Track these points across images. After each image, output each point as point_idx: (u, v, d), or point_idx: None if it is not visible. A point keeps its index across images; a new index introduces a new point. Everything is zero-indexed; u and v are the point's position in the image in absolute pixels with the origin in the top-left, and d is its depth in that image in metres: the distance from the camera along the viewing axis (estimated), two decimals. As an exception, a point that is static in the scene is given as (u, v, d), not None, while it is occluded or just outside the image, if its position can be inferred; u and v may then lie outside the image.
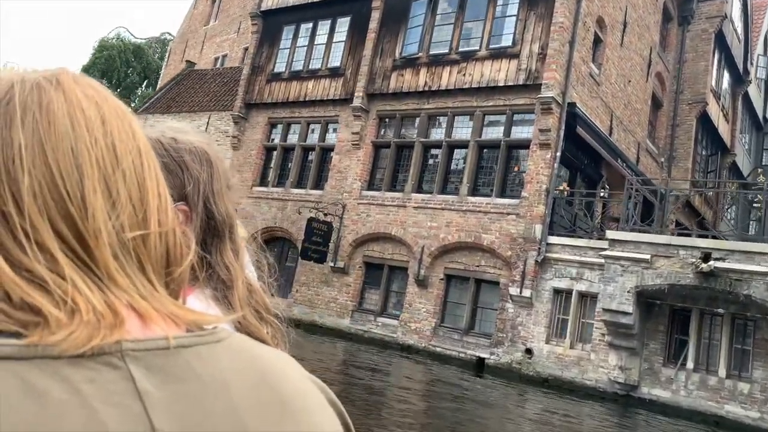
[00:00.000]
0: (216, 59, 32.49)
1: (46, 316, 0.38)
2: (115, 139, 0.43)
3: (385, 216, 16.45)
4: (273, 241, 19.61)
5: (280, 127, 20.35)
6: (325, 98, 18.83)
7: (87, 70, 37.76)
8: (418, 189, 16.36)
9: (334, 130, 18.81)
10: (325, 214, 17.11)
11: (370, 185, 17.50)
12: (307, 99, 19.29)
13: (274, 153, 20.37)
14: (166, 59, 37.13)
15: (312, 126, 19.54)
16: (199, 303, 0.68)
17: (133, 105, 37.95)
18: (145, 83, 42.50)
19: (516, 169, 15.40)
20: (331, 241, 16.90)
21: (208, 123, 22.07)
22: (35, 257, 0.38)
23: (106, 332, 0.38)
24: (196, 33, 35.25)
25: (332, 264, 16.91)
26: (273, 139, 20.46)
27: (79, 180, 0.40)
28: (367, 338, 15.74)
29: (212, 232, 0.70)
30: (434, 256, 15.25)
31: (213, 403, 0.38)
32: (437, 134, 16.50)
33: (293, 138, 19.90)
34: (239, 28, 30.81)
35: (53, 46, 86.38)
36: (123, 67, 40.05)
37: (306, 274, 17.81)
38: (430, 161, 16.63)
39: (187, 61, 28.96)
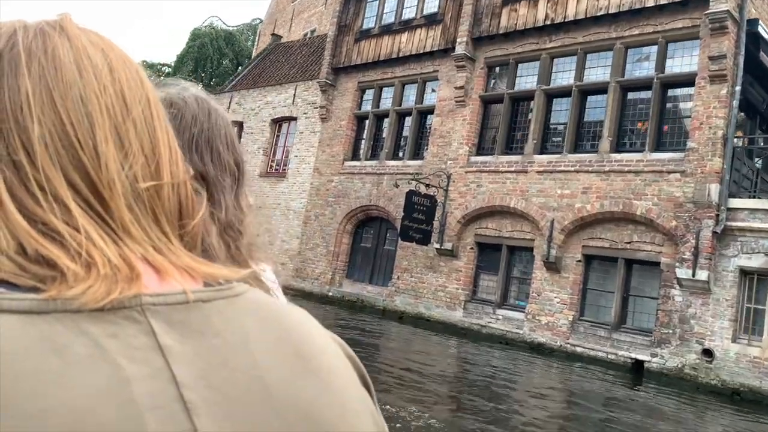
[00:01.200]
0: (305, 35, 30.63)
1: (63, 269, 0.37)
2: (124, 87, 0.42)
3: (501, 185, 13.42)
4: (369, 221, 17.17)
5: (371, 92, 17.81)
6: (422, 51, 16.01)
7: (181, 59, 37.35)
8: (542, 149, 13.16)
9: (433, 90, 15.97)
10: (427, 186, 14.36)
11: (480, 149, 14.51)
12: (400, 55, 16.57)
13: (366, 122, 17.89)
14: (256, 42, 35.92)
15: (407, 87, 16.81)
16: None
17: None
18: (238, 69, 41.69)
19: (640, 126, 11.78)
20: (435, 218, 14.14)
21: (294, 95, 20.03)
22: (50, 209, 0.38)
23: (123, 285, 0.37)
24: (284, 11, 33.63)
25: (438, 246, 14.16)
26: (364, 107, 17.97)
27: (89, 128, 0.40)
28: (485, 334, 12.87)
29: (219, 183, 0.64)
30: (568, 232, 12.05)
31: (234, 359, 0.38)
32: (564, 79, 13.16)
33: (386, 103, 17.29)
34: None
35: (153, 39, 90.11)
36: (215, 54, 39.37)
37: (408, 259, 15.20)
38: (556, 114, 13.33)
39: (273, 35, 27.17)
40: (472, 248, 13.90)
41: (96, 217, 0.39)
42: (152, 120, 0.43)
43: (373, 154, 17.39)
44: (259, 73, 23.50)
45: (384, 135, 17.21)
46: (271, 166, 20.86)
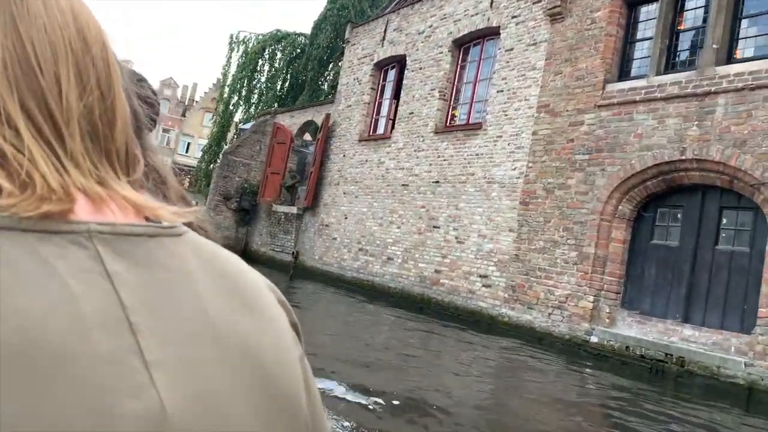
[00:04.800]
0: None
1: None
2: (84, 27, 0.42)
3: None
4: (671, 196, 8.58)
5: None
6: None
7: (318, 26, 30.84)
8: None
9: None
10: None
11: None
12: None
13: (651, 6, 9.28)
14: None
15: None
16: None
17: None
18: None
19: None
20: None
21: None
22: (0, 131, 0.38)
23: (57, 204, 0.38)
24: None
25: None
26: (645, -22, 9.35)
27: (52, 57, 0.40)
28: None
29: (138, 128, 0.54)
30: None
31: (179, 290, 0.39)
32: None
33: (705, -45, 8.54)
34: None
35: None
36: (358, 17, 32.42)
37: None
38: None
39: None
40: None
41: (45, 145, 0.39)
42: (108, 60, 0.43)
43: (679, 61, 8.75)
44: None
45: (700, 22, 8.49)
46: (453, 115, 12.92)
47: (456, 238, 11.53)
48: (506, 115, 11.06)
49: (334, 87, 29.55)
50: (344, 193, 15.31)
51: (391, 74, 15.17)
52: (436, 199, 12.24)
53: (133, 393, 0.34)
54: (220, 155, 21.42)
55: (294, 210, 17.03)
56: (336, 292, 13.03)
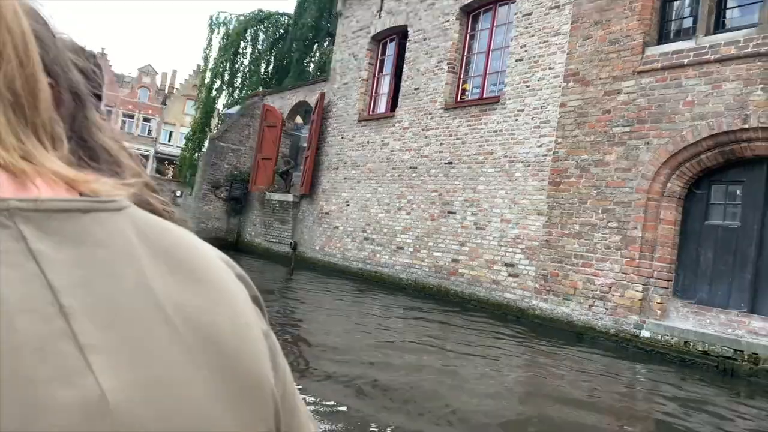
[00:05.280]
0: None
1: None
2: None
3: None
4: (727, 170, 7.64)
5: None
6: None
7: (302, 3, 29.30)
8: None
9: None
10: None
11: None
12: None
13: (696, -44, 8.22)
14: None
15: None
16: None
17: None
18: None
19: None
20: None
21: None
22: None
23: None
24: None
25: None
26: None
27: None
28: None
29: (79, 102, 0.51)
30: None
31: (119, 268, 0.36)
32: None
33: None
34: None
35: None
36: (343, -7, 31.15)
37: None
38: None
39: None
40: None
41: None
42: (22, 28, 0.39)
43: (732, 18, 7.73)
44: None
45: (758, -31, 7.44)
46: (464, 89, 11.82)
47: (475, 223, 10.51)
48: (528, 87, 9.99)
49: (321, 68, 28.24)
50: (345, 178, 14.20)
51: (391, 47, 13.99)
52: (450, 182, 11.18)
53: (66, 381, 0.31)
54: (207, 142, 20.11)
55: (290, 198, 15.89)
56: (341, 285, 12.00)
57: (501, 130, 10.32)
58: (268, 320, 0.42)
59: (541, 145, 9.57)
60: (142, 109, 53.79)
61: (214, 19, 31.07)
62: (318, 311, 9.47)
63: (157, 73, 56.81)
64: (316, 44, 29.81)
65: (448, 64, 11.77)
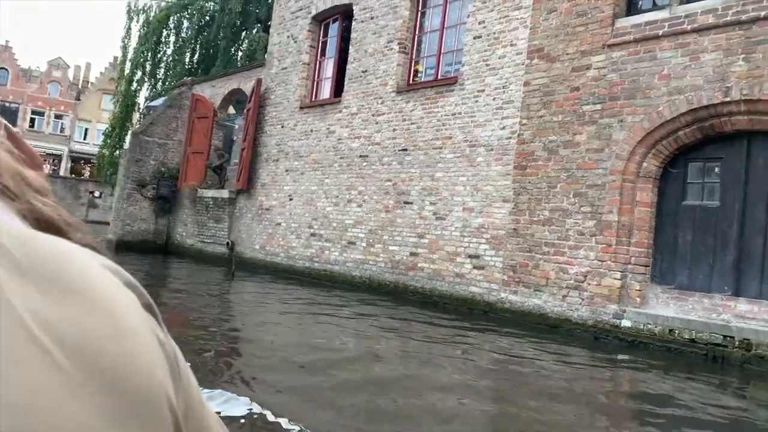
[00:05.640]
0: None
1: None
2: None
3: None
4: (704, 147, 7.31)
5: None
6: None
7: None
8: None
9: None
10: None
11: None
12: None
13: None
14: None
15: None
16: None
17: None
18: None
19: None
20: None
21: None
22: None
23: None
24: None
25: None
26: None
27: None
28: None
29: None
30: None
31: None
32: None
33: None
34: None
35: None
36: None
37: None
38: None
39: None
40: None
41: None
42: None
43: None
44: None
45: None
46: (416, 71, 11.07)
47: (434, 213, 9.79)
48: (488, 65, 9.36)
49: (250, 56, 26.82)
50: (286, 171, 13.15)
51: (334, 28, 13.06)
52: (405, 170, 10.41)
53: None
54: (129, 137, 18.41)
55: (225, 194, 14.64)
56: (287, 286, 11.00)
57: (460, 113, 9.64)
58: (165, 328, 0.38)
59: (504, 128, 8.96)
60: (53, 105, 50.16)
61: (132, 6, 29.01)
62: (262, 315, 8.45)
63: (69, 66, 53.07)
64: (245, 31, 28.37)
65: (399, 43, 10.99)
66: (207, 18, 28.71)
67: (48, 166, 48.09)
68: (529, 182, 8.48)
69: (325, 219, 11.89)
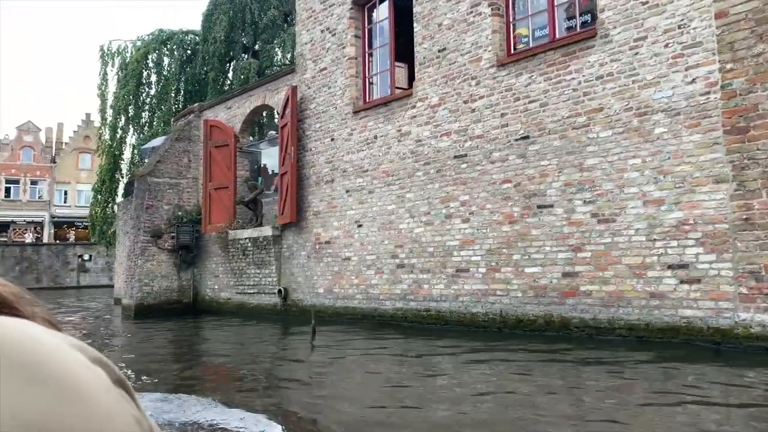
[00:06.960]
0: None
1: None
2: None
3: None
4: None
5: None
6: None
7: (209, 16, 25.15)
8: None
9: None
10: None
11: None
12: None
13: None
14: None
15: None
16: None
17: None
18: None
19: None
20: None
21: None
22: None
23: None
24: None
25: None
26: None
27: None
28: None
29: None
30: None
31: None
32: None
33: None
34: None
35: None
36: (255, 1, 27.24)
37: None
38: None
39: None
40: None
41: None
42: None
43: None
44: None
45: None
46: (518, 35, 8.50)
47: (593, 215, 7.15)
48: (645, 3, 6.83)
49: (243, 84, 24.29)
50: (347, 191, 10.47)
51: (383, 9, 10.53)
52: (532, 164, 7.79)
53: None
54: (135, 183, 15.56)
55: (267, 232, 11.87)
56: (380, 336, 8.24)
57: (611, 74, 7.08)
58: (139, 401, 0.37)
59: (693, 80, 6.40)
60: (27, 171, 47.13)
61: (105, 49, 26.39)
62: (363, 384, 5.68)
63: (40, 129, 50.09)
64: (233, 61, 25.88)
65: (490, 4, 8.45)
66: (189, 52, 26.29)
67: (30, 234, 44.97)
68: (758, 149, 5.89)
69: (415, 244, 9.20)
